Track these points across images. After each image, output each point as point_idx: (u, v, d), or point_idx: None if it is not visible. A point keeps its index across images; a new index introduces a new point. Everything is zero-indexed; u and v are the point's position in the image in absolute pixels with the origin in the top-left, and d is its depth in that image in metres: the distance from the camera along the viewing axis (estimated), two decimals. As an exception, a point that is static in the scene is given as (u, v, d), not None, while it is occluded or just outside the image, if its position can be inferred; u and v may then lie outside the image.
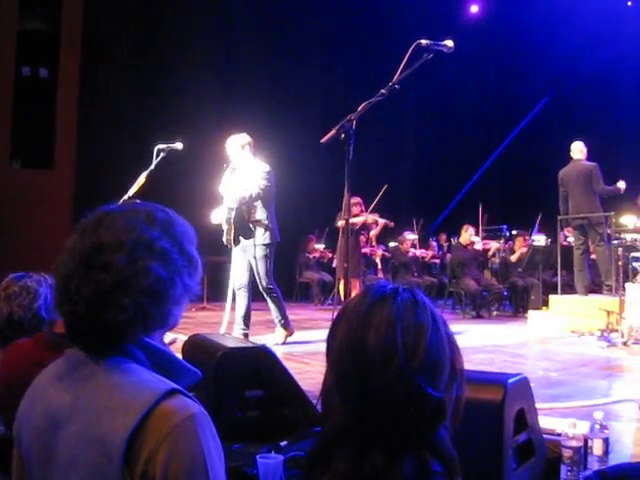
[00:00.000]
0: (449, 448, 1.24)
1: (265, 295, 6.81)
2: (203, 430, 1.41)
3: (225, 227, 6.64)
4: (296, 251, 14.22)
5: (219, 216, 6.66)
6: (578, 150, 9.95)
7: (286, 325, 6.98)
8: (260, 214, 6.63)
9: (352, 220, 10.26)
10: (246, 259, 6.70)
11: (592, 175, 9.64)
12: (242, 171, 6.71)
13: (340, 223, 9.99)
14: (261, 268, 6.65)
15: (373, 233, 11.93)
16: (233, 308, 6.92)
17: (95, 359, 1.48)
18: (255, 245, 6.57)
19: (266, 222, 6.64)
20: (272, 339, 6.82)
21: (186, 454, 1.37)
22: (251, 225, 6.57)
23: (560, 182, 10.05)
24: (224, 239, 6.71)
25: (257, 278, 6.70)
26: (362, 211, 10.61)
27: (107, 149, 11.58)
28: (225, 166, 6.87)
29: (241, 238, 6.64)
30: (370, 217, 10.88)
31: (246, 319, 6.78)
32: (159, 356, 1.56)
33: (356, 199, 10.41)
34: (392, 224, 11.81)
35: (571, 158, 10.03)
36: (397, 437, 1.20)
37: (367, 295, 1.29)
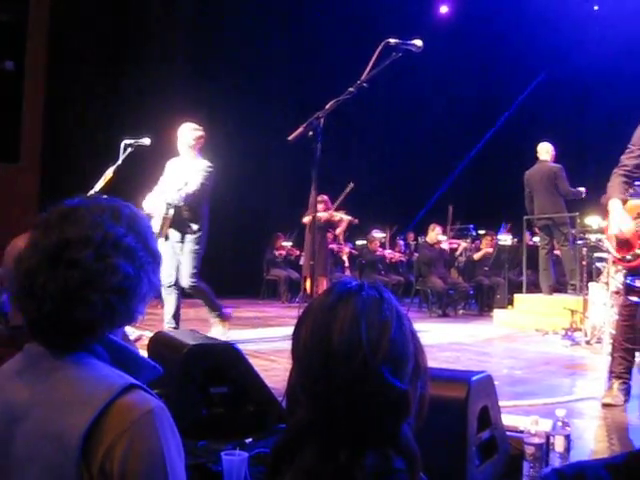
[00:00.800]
0: (412, 445, 1.25)
1: (191, 292, 6.60)
2: (162, 425, 1.40)
3: (158, 220, 6.34)
4: (264, 248, 14.22)
5: (152, 205, 6.37)
6: (544, 151, 10.04)
7: (222, 315, 6.82)
8: (195, 211, 6.46)
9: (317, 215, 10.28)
10: (175, 256, 6.49)
11: (557, 177, 9.74)
12: (187, 166, 6.54)
13: (306, 219, 10.04)
14: (188, 264, 6.45)
15: (339, 230, 11.94)
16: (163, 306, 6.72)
17: (56, 355, 1.46)
18: (185, 242, 6.42)
19: (200, 220, 6.50)
20: (214, 334, 6.46)
21: (144, 449, 1.36)
22: (185, 222, 6.41)
23: (525, 182, 10.15)
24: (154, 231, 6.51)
25: (180, 274, 6.48)
26: (327, 209, 10.62)
27: (74, 143, 11.47)
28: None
29: (172, 233, 6.45)
30: (336, 214, 10.88)
31: (176, 317, 6.59)
32: (119, 351, 1.55)
33: (322, 197, 10.42)
34: (356, 221, 11.83)
35: (537, 159, 10.12)
36: (361, 433, 1.21)
37: (332, 291, 1.30)
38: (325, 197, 10.60)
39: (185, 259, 6.46)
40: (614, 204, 4.41)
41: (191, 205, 6.37)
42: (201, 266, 6.74)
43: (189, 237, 6.41)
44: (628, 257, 4.34)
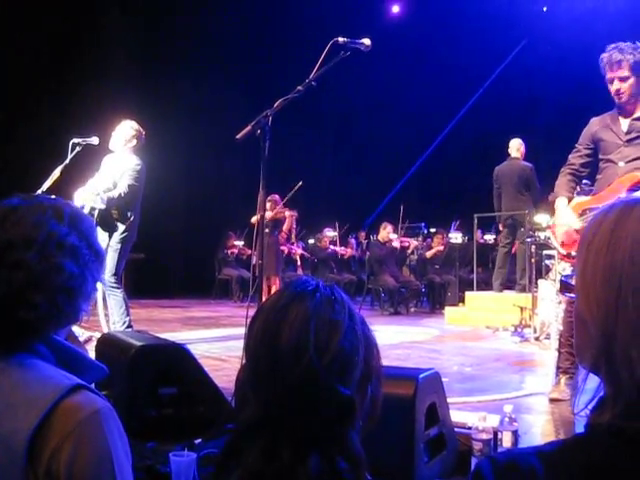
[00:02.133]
0: (357, 448, 1.24)
1: (107, 293, 6.24)
2: (109, 426, 1.38)
3: None
4: (215, 248, 14.16)
5: (82, 199, 6.09)
6: (515, 148, 10.06)
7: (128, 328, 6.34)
8: (123, 212, 6.27)
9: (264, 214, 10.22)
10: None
11: (528, 177, 9.82)
12: (117, 164, 6.38)
13: (253, 219, 9.99)
14: (109, 261, 6.15)
15: (285, 227, 11.87)
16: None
17: None
18: (109, 242, 6.20)
19: (126, 220, 6.29)
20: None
21: (91, 450, 1.34)
22: (112, 222, 6.23)
23: (495, 178, 10.15)
24: None
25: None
26: (279, 212, 10.62)
27: (24, 142, 11.29)
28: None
29: (100, 233, 6.12)
30: (281, 212, 10.86)
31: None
32: (64, 352, 1.53)
33: (273, 197, 10.41)
34: (295, 214, 11.79)
35: (508, 155, 10.18)
36: (305, 434, 1.20)
37: (287, 290, 1.29)
38: (276, 197, 10.59)
39: (107, 257, 6.22)
40: (560, 202, 4.50)
41: (118, 206, 6.20)
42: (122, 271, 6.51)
43: (115, 236, 6.24)
44: (573, 253, 4.41)
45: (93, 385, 1.51)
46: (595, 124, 4.60)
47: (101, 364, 1.64)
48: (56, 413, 1.34)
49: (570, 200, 4.52)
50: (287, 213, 11.16)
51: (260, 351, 1.24)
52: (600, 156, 4.52)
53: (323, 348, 1.20)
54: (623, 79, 4.31)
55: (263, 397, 1.22)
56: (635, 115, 4.42)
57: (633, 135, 4.42)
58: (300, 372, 1.18)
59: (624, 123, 4.46)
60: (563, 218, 4.44)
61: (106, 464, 1.35)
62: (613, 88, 4.38)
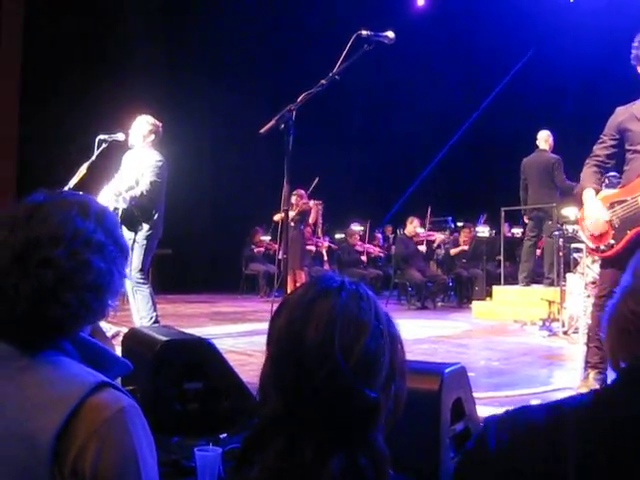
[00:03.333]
0: (380, 445, 1.23)
1: (134, 288, 6.22)
2: (134, 423, 1.38)
3: None
4: (242, 243, 14.20)
5: (105, 200, 6.00)
6: (543, 140, 9.97)
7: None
8: (146, 210, 6.26)
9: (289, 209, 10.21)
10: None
11: (554, 168, 9.71)
12: (137, 161, 6.37)
13: (277, 217, 9.98)
14: (135, 257, 6.18)
15: (312, 217, 11.82)
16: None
17: (24, 354, 1.43)
18: (135, 238, 6.18)
19: (151, 218, 6.29)
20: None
21: (117, 448, 1.34)
22: (136, 220, 6.21)
23: (522, 170, 10.05)
24: None
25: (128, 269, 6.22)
26: (304, 204, 10.60)
27: (50, 138, 11.38)
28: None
29: (125, 232, 6.14)
30: (305, 203, 10.83)
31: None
32: (88, 348, 1.54)
33: (298, 191, 10.39)
34: (321, 203, 11.77)
35: (537, 147, 10.09)
36: (328, 434, 1.19)
37: (312, 287, 1.28)
38: (301, 191, 10.58)
39: (133, 253, 6.19)
40: (588, 194, 4.42)
41: (141, 204, 6.19)
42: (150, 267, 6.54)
43: (140, 233, 6.22)
44: (602, 247, 4.35)
45: (119, 380, 1.51)
46: (621, 114, 4.50)
47: (125, 360, 1.64)
48: (82, 411, 1.34)
49: (597, 192, 4.45)
50: (312, 203, 11.14)
51: (284, 348, 1.23)
52: (627, 147, 4.42)
53: (349, 349, 1.19)
54: None
55: (285, 394, 1.21)
56: None
57: None
58: (325, 373, 1.17)
59: None
60: (592, 210, 4.37)
61: (131, 462, 1.35)
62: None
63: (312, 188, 11.35)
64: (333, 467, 1.16)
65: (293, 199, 10.31)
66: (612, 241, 4.31)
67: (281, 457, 1.18)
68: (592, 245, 4.44)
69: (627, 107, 4.50)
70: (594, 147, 4.56)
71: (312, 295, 1.25)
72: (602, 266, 4.59)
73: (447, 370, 2.62)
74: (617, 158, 4.52)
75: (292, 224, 9.81)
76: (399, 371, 1.30)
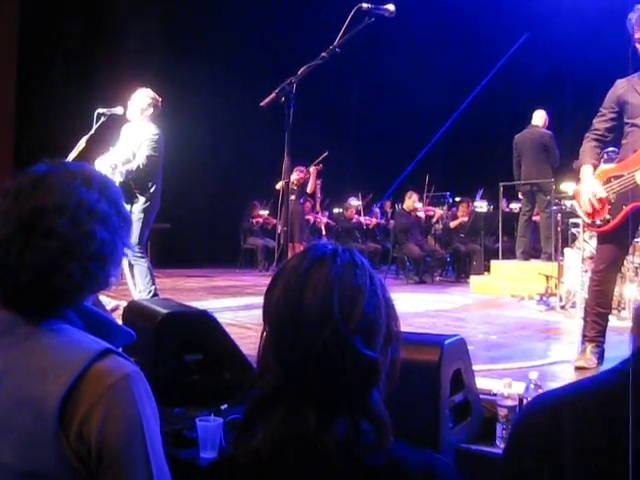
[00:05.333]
0: (380, 410, 1.25)
1: (132, 262, 6.21)
2: (138, 389, 1.40)
3: None
4: (240, 217, 14.20)
5: (101, 169, 5.92)
6: (538, 117, 10.01)
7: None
8: (143, 183, 6.23)
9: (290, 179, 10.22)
10: None
11: (546, 143, 9.74)
12: (135, 134, 6.35)
13: (279, 185, 9.96)
14: (133, 230, 6.08)
15: (311, 184, 11.81)
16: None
17: (29, 322, 1.45)
18: (132, 210, 6.09)
19: (150, 190, 6.27)
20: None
21: (122, 414, 1.36)
22: (133, 193, 6.17)
23: (514, 147, 10.10)
24: None
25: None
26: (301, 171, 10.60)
27: (49, 111, 11.33)
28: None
29: None
30: (302, 171, 10.83)
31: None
32: (92, 317, 1.55)
33: (299, 168, 10.41)
34: (320, 166, 11.76)
35: (529, 124, 10.11)
36: (330, 398, 1.21)
37: (306, 255, 1.29)
38: (302, 168, 10.58)
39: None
40: (586, 169, 4.42)
41: (138, 178, 6.17)
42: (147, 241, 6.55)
43: (137, 206, 6.19)
44: (598, 222, 4.36)
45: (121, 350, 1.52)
46: (620, 86, 4.45)
47: (129, 329, 1.66)
48: (86, 377, 1.36)
49: (596, 167, 4.45)
50: (311, 168, 11.13)
51: (282, 317, 1.24)
52: (625, 120, 4.38)
53: (348, 313, 1.21)
54: None
55: (286, 362, 1.23)
56: None
57: None
58: (326, 338, 1.19)
59: None
60: (587, 186, 4.38)
61: (136, 427, 1.37)
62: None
63: (319, 160, 11.34)
64: (336, 432, 1.18)
65: (294, 175, 10.33)
66: (608, 216, 4.31)
67: (283, 425, 1.20)
68: (588, 220, 4.45)
69: (627, 79, 4.47)
70: (594, 120, 4.54)
71: (307, 263, 1.26)
72: (599, 241, 4.60)
73: (447, 341, 2.65)
74: (617, 131, 4.49)
75: (292, 197, 9.83)
76: (395, 335, 1.33)
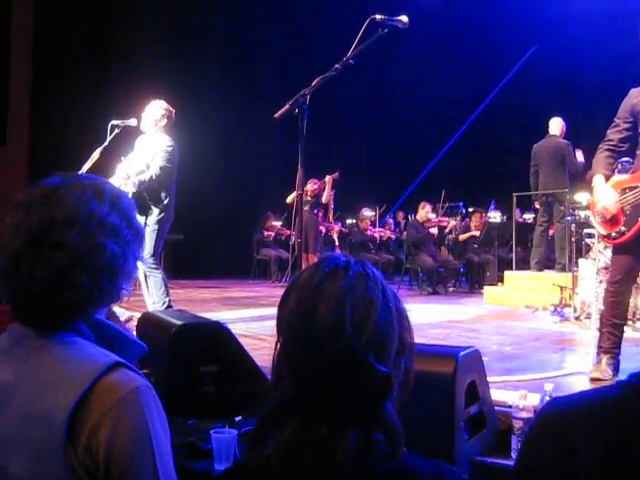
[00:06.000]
0: (394, 420, 1.25)
1: (147, 273, 6.23)
2: (147, 403, 1.40)
3: None
4: (253, 228, 14.22)
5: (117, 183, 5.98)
6: (554, 126, 9.93)
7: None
8: (156, 195, 6.26)
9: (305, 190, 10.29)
10: None
11: (564, 153, 9.66)
12: (149, 145, 6.38)
13: (289, 198, 10.01)
14: (147, 242, 6.05)
15: (325, 196, 11.85)
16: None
17: (40, 334, 1.46)
18: (147, 222, 6.16)
19: (163, 202, 6.29)
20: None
21: (130, 428, 1.36)
22: (146, 205, 6.20)
23: (532, 156, 10.03)
24: None
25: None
26: (315, 183, 10.64)
27: (63, 123, 11.39)
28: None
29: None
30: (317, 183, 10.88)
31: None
32: (103, 330, 1.55)
33: (313, 180, 10.45)
34: (336, 174, 11.79)
35: (547, 133, 10.05)
36: (342, 409, 1.21)
37: (319, 267, 1.29)
38: (315, 180, 10.62)
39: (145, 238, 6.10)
40: (598, 180, 4.39)
41: (151, 189, 6.19)
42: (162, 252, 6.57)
43: (151, 217, 6.21)
44: (613, 234, 4.34)
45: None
46: (634, 96, 4.42)
47: (140, 342, 1.66)
48: (95, 391, 1.36)
49: (608, 178, 4.42)
50: (327, 177, 11.17)
51: (296, 328, 1.24)
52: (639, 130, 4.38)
53: (360, 327, 1.21)
54: None
55: (299, 373, 1.23)
56: None
57: None
58: (337, 351, 1.19)
59: None
60: (602, 197, 4.36)
61: (144, 441, 1.37)
62: None
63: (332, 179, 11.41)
64: (349, 442, 1.18)
65: (308, 186, 10.37)
66: (623, 228, 4.29)
67: (296, 434, 1.21)
68: (604, 232, 4.42)
69: (639, 89, 4.46)
70: (608, 131, 4.51)
71: (320, 275, 1.26)
72: (614, 252, 4.58)
73: (462, 353, 2.64)
74: (631, 142, 4.46)
75: (306, 208, 9.86)
76: (408, 346, 1.32)
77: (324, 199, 11.88)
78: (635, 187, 4.26)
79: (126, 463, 1.35)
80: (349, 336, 1.19)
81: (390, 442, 1.22)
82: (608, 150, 4.47)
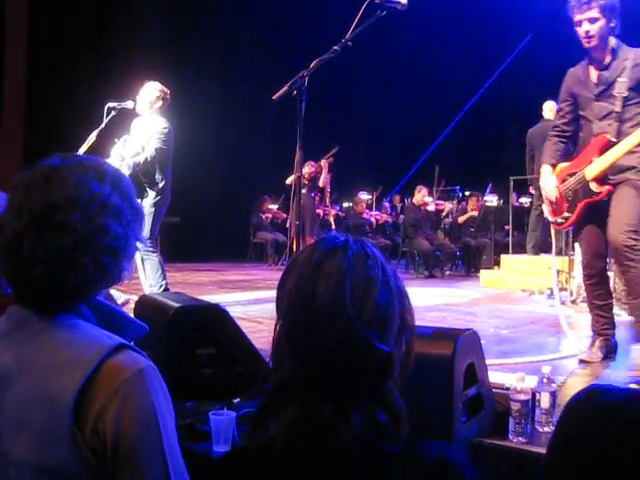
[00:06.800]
0: (397, 399, 1.25)
1: (143, 257, 6.22)
2: (152, 384, 1.40)
3: None
4: (250, 212, 14.21)
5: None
6: (548, 109, 9.84)
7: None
8: (151, 176, 6.25)
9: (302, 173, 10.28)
10: None
11: None
12: (144, 127, 6.38)
13: (289, 179, 10.00)
14: (145, 225, 6.04)
15: (322, 179, 11.84)
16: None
17: (42, 317, 1.46)
18: (142, 204, 6.11)
19: (159, 184, 6.28)
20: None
21: (136, 409, 1.37)
22: (142, 187, 6.18)
23: (527, 141, 9.97)
24: None
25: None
26: (312, 166, 10.62)
27: (59, 105, 11.35)
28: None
29: None
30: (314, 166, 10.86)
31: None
32: (105, 311, 1.56)
33: (309, 163, 10.44)
34: (331, 159, 11.78)
35: (542, 117, 10.00)
36: (345, 389, 1.21)
37: (318, 247, 1.29)
38: (312, 162, 10.60)
39: None
40: (544, 169, 4.47)
41: (146, 171, 6.19)
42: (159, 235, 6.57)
43: (148, 200, 6.20)
44: (559, 220, 4.39)
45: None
46: (569, 77, 4.40)
47: (141, 322, 1.66)
48: (101, 373, 1.36)
49: (554, 166, 4.44)
50: (322, 161, 11.15)
51: (295, 307, 1.24)
52: (579, 112, 4.33)
53: (360, 305, 1.21)
54: (592, 20, 4.03)
55: (300, 354, 1.23)
56: (604, 64, 4.16)
57: (602, 88, 4.17)
58: (338, 330, 1.19)
59: (594, 75, 4.22)
60: (543, 184, 4.42)
61: (151, 422, 1.38)
62: (582, 30, 4.09)
63: (329, 155, 11.35)
64: (353, 423, 1.18)
65: (305, 169, 10.35)
66: (567, 214, 4.33)
67: (299, 415, 1.20)
68: (551, 219, 4.47)
69: (575, 69, 4.38)
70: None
71: (319, 255, 1.26)
72: (573, 237, 4.63)
73: (460, 335, 2.64)
74: (577, 124, 4.40)
75: (304, 191, 9.84)
76: (409, 324, 1.32)
77: (321, 183, 11.88)
78: (574, 173, 4.28)
79: (133, 444, 1.35)
80: (349, 315, 1.19)
81: (394, 422, 1.22)
82: (556, 136, 4.51)
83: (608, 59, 4.15)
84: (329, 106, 13.90)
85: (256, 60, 14.33)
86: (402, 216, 13.76)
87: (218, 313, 3.59)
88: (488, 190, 13.90)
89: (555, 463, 1.22)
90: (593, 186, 4.17)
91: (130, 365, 1.39)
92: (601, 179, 4.15)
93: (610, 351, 4.39)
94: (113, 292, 5.24)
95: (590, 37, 4.08)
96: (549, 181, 4.40)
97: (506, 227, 11.96)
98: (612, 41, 4.14)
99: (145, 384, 1.39)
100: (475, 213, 13.10)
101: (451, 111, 16.47)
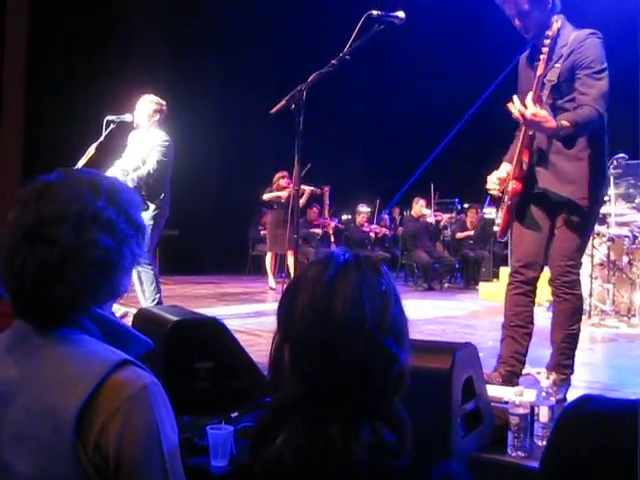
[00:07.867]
0: (403, 416, 1.26)
1: (139, 269, 6.18)
2: (156, 401, 1.41)
3: None
4: (248, 224, 14.20)
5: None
6: None
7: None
8: (152, 190, 6.26)
9: (278, 194, 10.35)
10: None
11: None
12: (144, 141, 6.40)
13: (265, 196, 10.10)
14: None
15: (302, 202, 11.85)
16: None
17: (43, 331, 1.46)
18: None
19: (159, 197, 6.30)
20: None
21: (140, 425, 1.37)
22: (144, 198, 6.04)
23: None
24: None
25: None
26: (289, 184, 10.60)
27: (58, 119, 11.36)
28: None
29: None
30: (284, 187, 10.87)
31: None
32: (109, 326, 1.55)
33: (283, 173, 10.44)
34: (319, 190, 11.77)
35: None
36: (354, 406, 1.20)
37: (329, 263, 1.29)
38: (285, 172, 10.61)
39: None
40: (503, 167, 4.25)
41: (147, 184, 6.20)
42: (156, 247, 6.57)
43: (146, 214, 6.20)
44: (495, 228, 4.30)
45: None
46: (519, 67, 4.21)
47: (146, 338, 1.65)
48: (104, 388, 1.36)
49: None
50: (306, 188, 11.16)
51: (310, 327, 1.23)
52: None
53: (379, 318, 1.22)
54: (524, 14, 3.84)
55: (311, 372, 1.22)
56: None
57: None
58: (358, 346, 1.20)
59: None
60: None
61: (154, 439, 1.38)
62: (516, 25, 3.89)
63: (304, 173, 11.38)
64: (363, 442, 1.18)
65: (282, 181, 10.38)
66: (498, 220, 4.21)
67: (308, 434, 1.20)
68: (496, 228, 4.32)
69: (523, 55, 4.22)
70: None
71: (332, 271, 1.26)
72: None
73: (458, 349, 2.64)
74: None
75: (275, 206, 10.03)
76: (407, 339, 1.33)
77: (302, 201, 11.88)
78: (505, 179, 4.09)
79: (135, 460, 1.35)
80: (370, 329, 1.20)
81: (400, 439, 1.22)
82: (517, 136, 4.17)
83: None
84: (328, 118, 13.90)
85: (253, 74, 14.34)
86: (401, 228, 13.75)
87: (216, 327, 3.59)
88: (487, 202, 13.88)
89: (549, 473, 1.22)
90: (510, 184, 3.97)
91: (134, 381, 1.39)
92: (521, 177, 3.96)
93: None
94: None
95: (527, 31, 3.92)
96: (492, 177, 4.22)
97: (505, 239, 11.95)
98: (556, 24, 3.83)
99: (148, 401, 1.39)
100: (471, 233, 13.09)
101: (449, 122, 16.48)
